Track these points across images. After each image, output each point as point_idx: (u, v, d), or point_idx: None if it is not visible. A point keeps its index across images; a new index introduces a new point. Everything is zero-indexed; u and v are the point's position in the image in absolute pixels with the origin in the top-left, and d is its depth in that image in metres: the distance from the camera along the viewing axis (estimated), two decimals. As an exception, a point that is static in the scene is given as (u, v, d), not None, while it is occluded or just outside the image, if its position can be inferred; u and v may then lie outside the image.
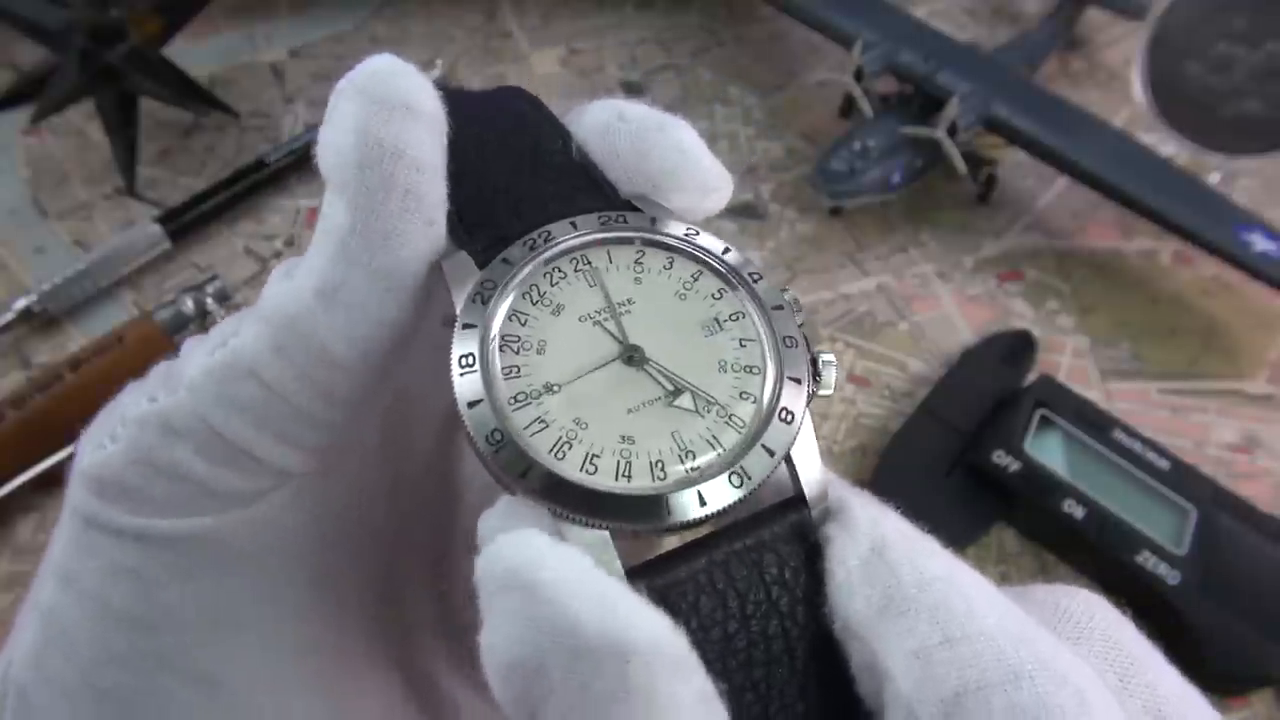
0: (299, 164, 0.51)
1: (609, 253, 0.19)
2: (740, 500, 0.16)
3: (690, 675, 0.14)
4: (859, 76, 0.50)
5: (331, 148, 0.18)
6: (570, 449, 0.16)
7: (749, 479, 0.16)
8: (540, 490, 0.16)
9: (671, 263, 0.19)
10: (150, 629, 0.20)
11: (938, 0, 0.63)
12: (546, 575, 0.14)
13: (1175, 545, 0.37)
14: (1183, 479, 0.39)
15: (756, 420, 0.17)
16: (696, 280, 0.19)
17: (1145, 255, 0.50)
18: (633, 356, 0.17)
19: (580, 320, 0.18)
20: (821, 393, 0.18)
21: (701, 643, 0.15)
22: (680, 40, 0.60)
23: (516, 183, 0.20)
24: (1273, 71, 0.47)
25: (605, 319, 0.18)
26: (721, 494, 0.16)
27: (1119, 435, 0.39)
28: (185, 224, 0.48)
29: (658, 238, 0.19)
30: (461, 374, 0.17)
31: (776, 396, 0.17)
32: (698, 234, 0.19)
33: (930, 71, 0.50)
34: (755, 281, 0.19)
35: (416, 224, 0.18)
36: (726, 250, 0.19)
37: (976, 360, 0.44)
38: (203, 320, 0.43)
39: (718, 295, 0.19)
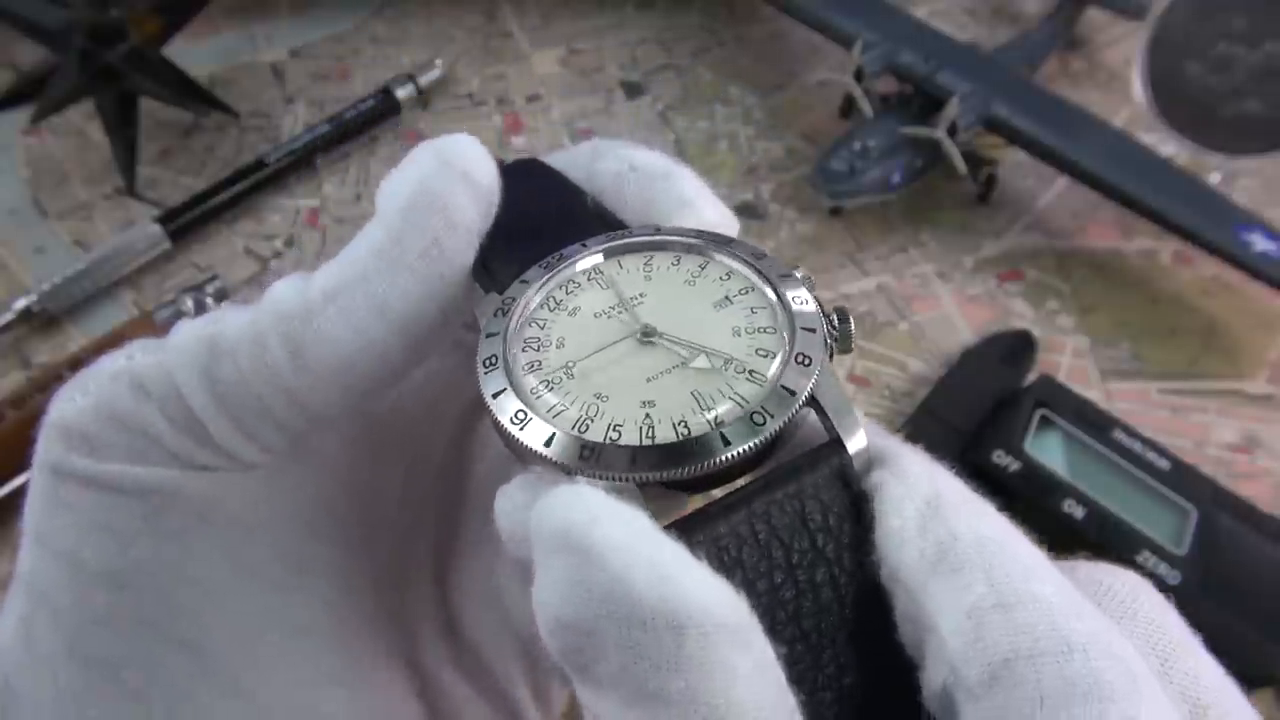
0: (299, 164, 0.52)
1: (619, 261, 0.20)
2: (764, 441, 0.16)
3: (749, 644, 0.14)
4: (859, 76, 0.50)
5: (390, 188, 0.20)
6: (593, 423, 0.17)
7: (771, 418, 0.16)
8: (566, 452, 0.16)
9: (679, 260, 0.20)
10: (126, 587, 0.20)
11: (938, 0, 0.63)
12: (599, 538, 0.14)
13: (1175, 545, 0.37)
14: (1183, 479, 0.39)
15: (774, 371, 0.17)
16: (704, 269, 0.19)
17: (1145, 255, 0.50)
18: (647, 333, 0.18)
19: (596, 316, 0.19)
20: (841, 352, 0.18)
21: (748, 596, 0.15)
22: (680, 40, 0.60)
23: (543, 231, 0.21)
24: (1273, 71, 0.47)
25: (619, 311, 0.19)
26: (744, 433, 0.16)
27: (1119, 435, 0.39)
28: (185, 224, 0.48)
29: (664, 239, 0.20)
30: (486, 372, 0.18)
31: (792, 346, 0.17)
32: (702, 233, 0.20)
33: (930, 71, 0.50)
34: (761, 259, 0.19)
35: (433, 271, 0.20)
36: (731, 242, 0.20)
37: (976, 360, 0.44)
38: (203, 320, 0.43)
39: (726, 276, 0.19)
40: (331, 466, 0.23)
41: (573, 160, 0.23)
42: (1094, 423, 0.40)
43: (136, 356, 0.20)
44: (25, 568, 0.21)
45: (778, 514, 0.16)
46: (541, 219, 0.21)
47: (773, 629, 0.15)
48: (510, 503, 0.17)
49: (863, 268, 0.49)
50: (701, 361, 0.17)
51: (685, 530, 0.15)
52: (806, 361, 0.17)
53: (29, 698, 0.20)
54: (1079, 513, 0.37)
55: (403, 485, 0.25)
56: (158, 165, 0.52)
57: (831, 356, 0.18)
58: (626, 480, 0.16)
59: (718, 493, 0.17)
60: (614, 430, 0.16)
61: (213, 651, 0.21)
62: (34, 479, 0.21)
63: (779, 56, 0.59)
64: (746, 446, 0.16)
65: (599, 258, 0.20)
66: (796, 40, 0.60)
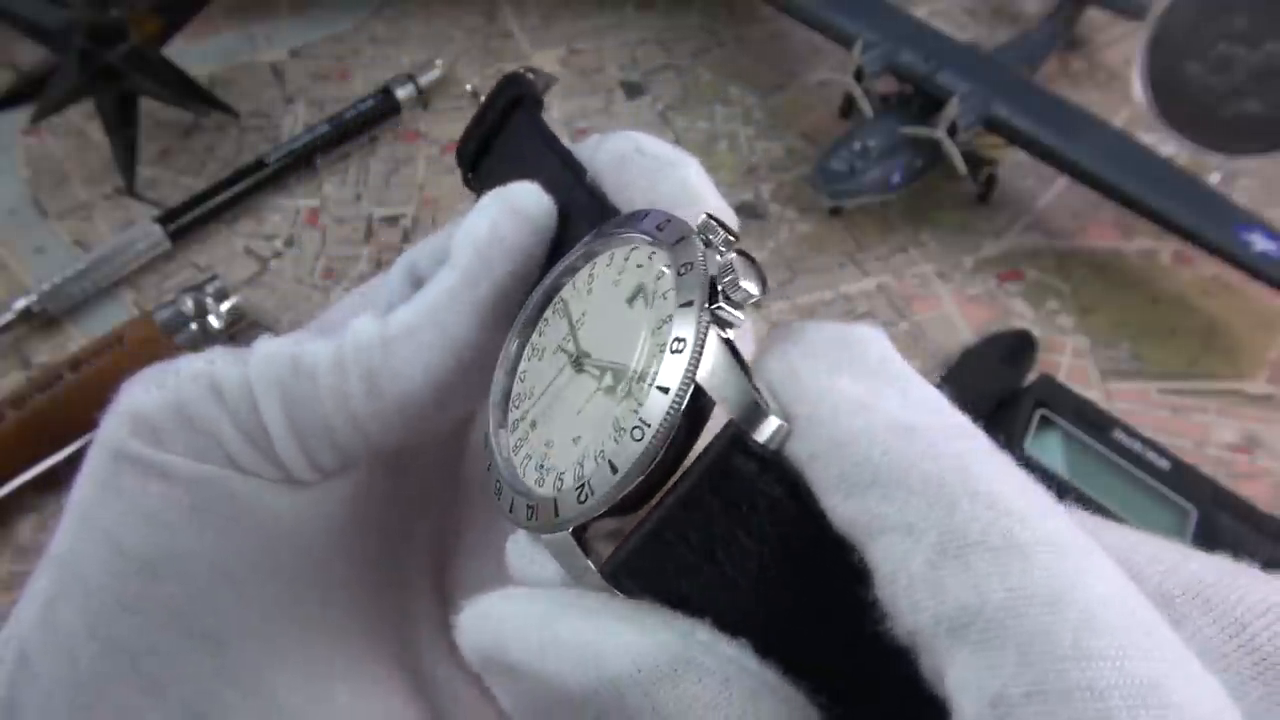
0: (299, 164, 0.51)
1: (573, 284, 0.20)
2: (645, 452, 0.15)
3: (707, 667, 0.13)
4: (859, 76, 0.50)
5: (467, 230, 0.21)
6: (546, 475, 0.17)
7: (647, 426, 0.15)
8: (518, 516, 0.17)
9: (612, 257, 0.19)
10: (161, 576, 0.21)
11: (938, 0, 0.63)
12: (514, 655, 0.14)
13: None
14: (1183, 479, 0.39)
15: (653, 363, 0.16)
16: (629, 258, 0.18)
17: (1145, 255, 0.50)
18: (578, 361, 0.18)
19: (554, 352, 0.19)
20: (736, 302, 0.16)
21: (690, 593, 0.15)
22: (680, 40, 0.60)
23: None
24: (1273, 71, 0.47)
25: (567, 340, 0.19)
26: (625, 453, 0.15)
27: (1119, 435, 0.39)
28: (185, 224, 0.48)
29: (603, 240, 0.19)
30: (485, 445, 0.19)
31: (669, 330, 0.15)
32: (647, 214, 0.18)
33: (930, 71, 0.50)
34: (663, 228, 0.17)
35: (502, 314, 0.21)
36: (669, 220, 0.18)
37: (976, 360, 0.44)
38: (203, 320, 0.43)
39: (640, 264, 0.18)
40: (366, 483, 0.24)
41: (578, 150, 0.23)
42: (1094, 423, 0.40)
43: (218, 362, 0.21)
44: (63, 547, 0.21)
45: (699, 514, 0.15)
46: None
47: (735, 628, 0.15)
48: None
49: (863, 268, 0.49)
50: (609, 380, 0.17)
51: (624, 575, 0.15)
52: (679, 348, 0.15)
53: (46, 677, 0.20)
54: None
55: (403, 487, 0.25)
56: (158, 165, 0.52)
57: (714, 321, 0.15)
58: (561, 532, 0.16)
59: (655, 498, 0.16)
60: (559, 479, 0.17)
61: (234, 647, 0.21)
62: (91, 460, 0.21)
63: (779, 56, 0.59)
64: (630, 472, 0.15)
65: (550, 287, 0.20)
66: (796, 40, 0.60)
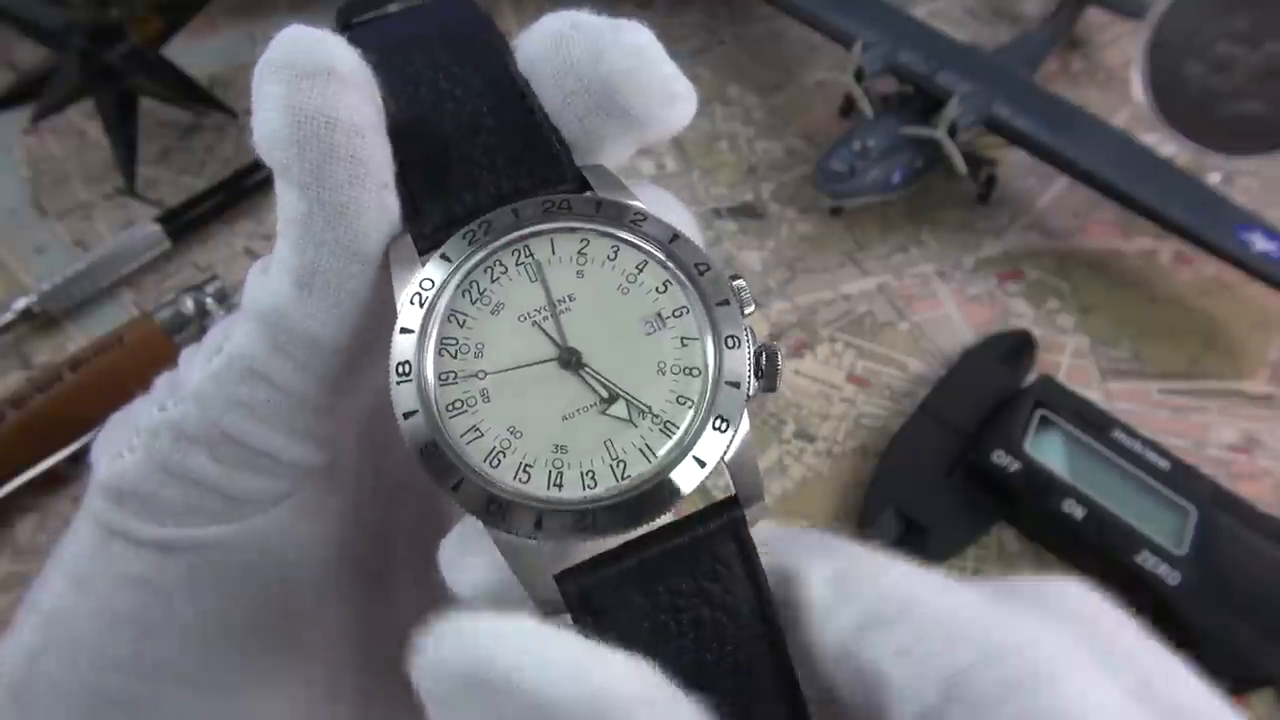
0: (299, 164, 0.51)
1: (552, 242, 0.18)
2: (659, 505, 0.16)
3: (673, 702, 0.14)
4: (859, 76, 0.50)
5: (266, 133, 0.17)
6: (504, 458, 0.16)
7: (676, 491, 0.16)
8: (472, 501, 0.16)
9: (616, 253, 0.18)
10: (157, 636, 0.20)
11: (938, 0, 0.63)
12: (501, 665, 0.13)
13: (1175, 545, 0.37)
14: (1183, 479, 0.39)
15: (692, 428, 0.17)
16: (641, 272, 0.18)
17: (1145, 255, 0.50)
18: (570, 361, 0.17)
19: (520, 319, 0.17)
20: (764, 391, 0.18)
21: (639, 637, 0.15)
22: (680, 40, 0.60)
23: (461, 139, 0.19)
24: (1273, 71, 0.47)
25: (544, 319, 0.17)
26: (639, 498, 0.16)
27: (1119, 435, 0.39)
28: (185, 224, 0.48)
29: (602, 227, 0.18)
30: (398, 383, 0.17)
31: (713, 402, 0.17)
32: (645, 219, 0.18)
33: (930, 71, 0.50)
34: (703, 274, 0.18)
35: (370, 190, 0.18)
36: (675, 238, 0.18)
37: (976, 360, 0.44)
38: (203, 320, 0.43)
39: (661, 289, 0.18)
40: (353, 485, 0.23)
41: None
42: (1094, 423, 0.40)
43: (168, 406, 0.19)
44: (50, 604, 0.20)
45: (670, 563, 0.16)
46: (460, 105, 0.19)
47: (687, 681, 0.15)
48: (449, 563, 0.17)
49: (863, 268, 0.49)
50: (619, 409, 0.17)
51: (576, 575, 0.16)
52: (723, 426, 0.17)
53: (38, 712, 0.20)
54: (1079, 513, 0.37)
55: (379, 481, 0.24)
56: (158, 165, 0.52)
57: (750, 397, 0.17)
58: (532, 538, 0.16)
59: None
60: (524, 471, 0.16)
61: (228, 688, 0.21)
62: (79, 527, 0.20)
63: (779, 56, 0.59)
64: (640, 518, 0.16)
65: (530, 234, 0.18)
66: (796, 40, 0.60)
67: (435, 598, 0.26)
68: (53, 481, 0.40)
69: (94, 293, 0.46)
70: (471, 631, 0.14)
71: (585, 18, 0.19)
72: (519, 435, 0.17)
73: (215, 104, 0.52)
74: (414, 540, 0.26)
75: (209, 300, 0.43)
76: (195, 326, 0.43)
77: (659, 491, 0.16)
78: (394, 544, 0.25)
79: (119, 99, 0.49)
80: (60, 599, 0.20)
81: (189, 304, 0.43)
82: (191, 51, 0.56)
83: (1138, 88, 0.50)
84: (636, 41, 0.19)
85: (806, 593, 0.16)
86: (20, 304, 0.44)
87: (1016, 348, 0.44)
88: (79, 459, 0.41)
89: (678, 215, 0.20)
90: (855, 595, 0.15)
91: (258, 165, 0.50)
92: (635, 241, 0.18)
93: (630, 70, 0.18)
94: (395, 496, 0.25)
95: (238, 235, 0.50)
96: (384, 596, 0.25)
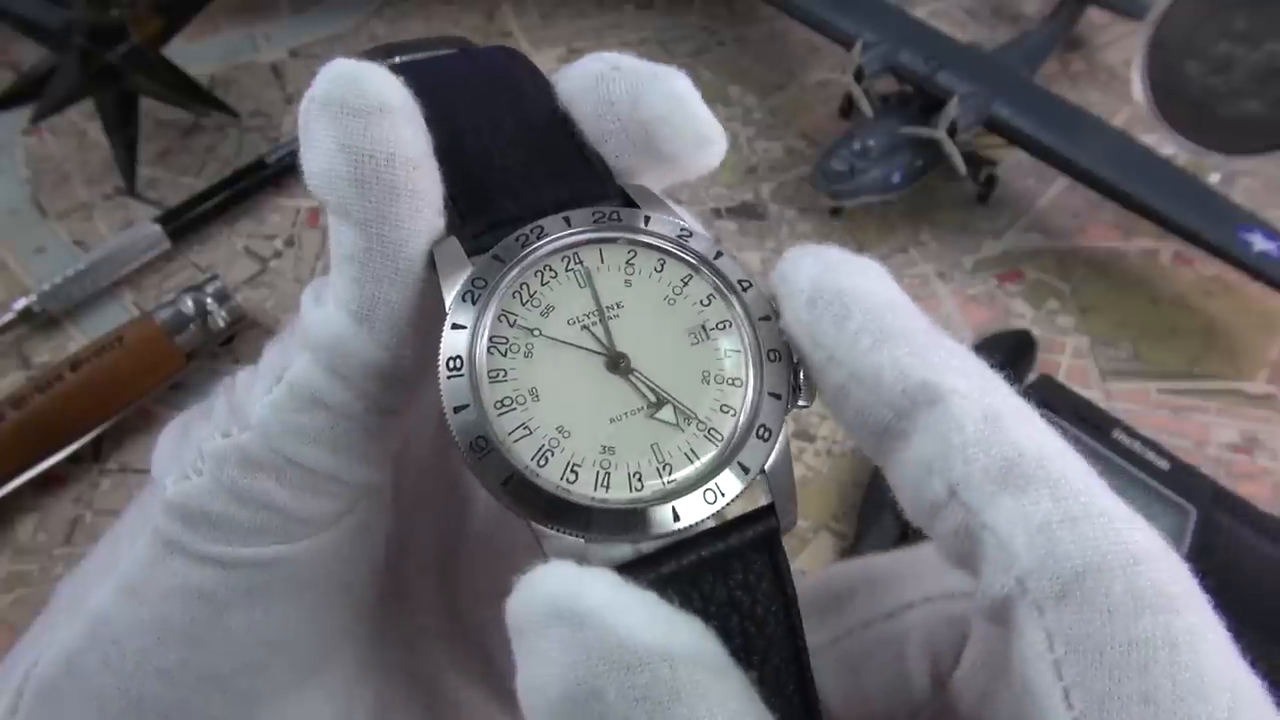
0: (299, 164, 0.51)
1: (601, 251, 0.19)
2: (712, 515, 0.17)
3: (728, 669, 0.15)
4: (859, 76, 0.50)
5: (321, 171, 0.18)
6: (552, 457, 0.17)
7: (722, 495, 0.17)
8: (520, 499, 0.16)
9: (663, 265, 0.19)
10: (205, 648, 0.20)
11: (938, 0, 0.63)
12: (588, 602, 0.14)
13: (1175, 545, 0.36)
14: (1183, 479, 0.39)
15: (734, 436, 0.17)
16: (687, 285, 0.19)
17: (1145, 255, 0.50)
18: (618, 364, 0.18)
19: (569, 323, 0.18)
20: (801, 404, 0.18)
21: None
22: (680, 40, 0.60)
23: (505, 157, 0.19)
24: (1273, 71, 0.47)
25: (593, 323, 0.18)
26: (695, 510, 0.16)
27: (1119, 435, 0.39)
28: (185, 224, 0.48)
29: (651, 240, 0.19)
30: (449, 377, 0.17)
31: (756, 411, 0.17)
32: (691, 235, 0.19)
33: (930, 71, 0.50)
34: (746, 290, 0.18)
35: (427, 218, 0.18)
36: (719, 255, 0.19)
37: (976, 360, 0.44)
38: (203, 320, 0.43)
39: (706, 302, 0.18)
40: (385, 504, 0.23)
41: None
42: (1094, 423, 0.40)
43: (233, 433, 0.19)
44: (98, 609, 0.20)
45: (703, 570, 0.17)
46: (502, 126, 0.20)
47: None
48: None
49: (863, 268, 0.49)
50: (667, 413, 0.17)
51: (644, 576, 0.16)
52: (766, 435, 0.17)
53: (71, 713, 0.20)
54: (1079, 513, 0.37)
55: (398, 488, 0.25)
56: (158, 165, 0.52)
57: (789, 409, 0.18)
58: (579, 538, 0.16)
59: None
60: (572, 471, 0.17)
61: (266, 699, 0.21)
62: (140, 540, 0.20)
63: (779, 56, 0.59)
64: (693, 523, 0.16)
65: (580, 241, 0.18)
66: (796, 40, 0.60)
67: (449, 612, 0.26)
68: (53, 481, 0.40)
69: (94, 293, 0.46)
70: (563, 572, 0.15)
71: (627, 60, 0.20)
72: (567, 435, 0.17)
73: (215, 104, 0.52)
74: (427, 557, 0.26)
75: (209, 300, 0.43)
76: (195, 326, 0.43)
77: (702, 496, 0.17)
78: (410, 559, 0.25)
79: (119, 99, 0.49)
80: (109, 605, 0.20)
81: (189, 304, 0.43)
82: (191, 51, 0.56)
83: (1138, 88, 0.50)
84: (674, 89, 0.19)
85: (949, 429, 0.16)
86: (20, 304, 0.44)
87: (1016, 348, 0.44)
88: (79, 459, 0.41)
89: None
90: (996, 441, 0.16)
91: (258, 165, 0.50)
92: (682, 255, 0.19)
93: (667, 116, 0.19)
94: (413, 513, 0.25)
95: (238, 235, 0.50)
96: (399, 608, 0.25)
